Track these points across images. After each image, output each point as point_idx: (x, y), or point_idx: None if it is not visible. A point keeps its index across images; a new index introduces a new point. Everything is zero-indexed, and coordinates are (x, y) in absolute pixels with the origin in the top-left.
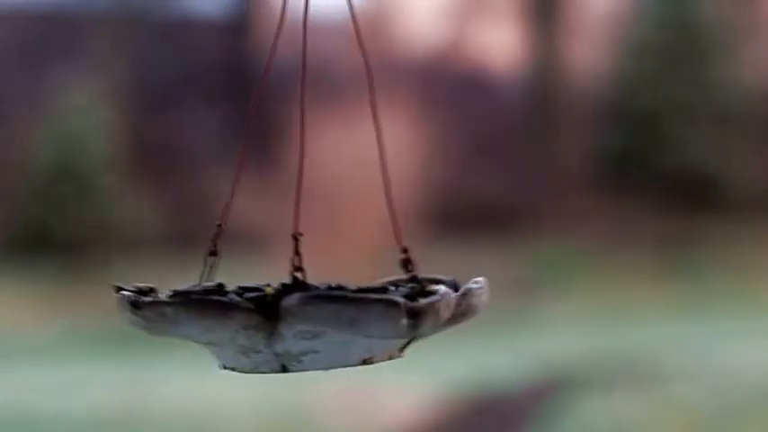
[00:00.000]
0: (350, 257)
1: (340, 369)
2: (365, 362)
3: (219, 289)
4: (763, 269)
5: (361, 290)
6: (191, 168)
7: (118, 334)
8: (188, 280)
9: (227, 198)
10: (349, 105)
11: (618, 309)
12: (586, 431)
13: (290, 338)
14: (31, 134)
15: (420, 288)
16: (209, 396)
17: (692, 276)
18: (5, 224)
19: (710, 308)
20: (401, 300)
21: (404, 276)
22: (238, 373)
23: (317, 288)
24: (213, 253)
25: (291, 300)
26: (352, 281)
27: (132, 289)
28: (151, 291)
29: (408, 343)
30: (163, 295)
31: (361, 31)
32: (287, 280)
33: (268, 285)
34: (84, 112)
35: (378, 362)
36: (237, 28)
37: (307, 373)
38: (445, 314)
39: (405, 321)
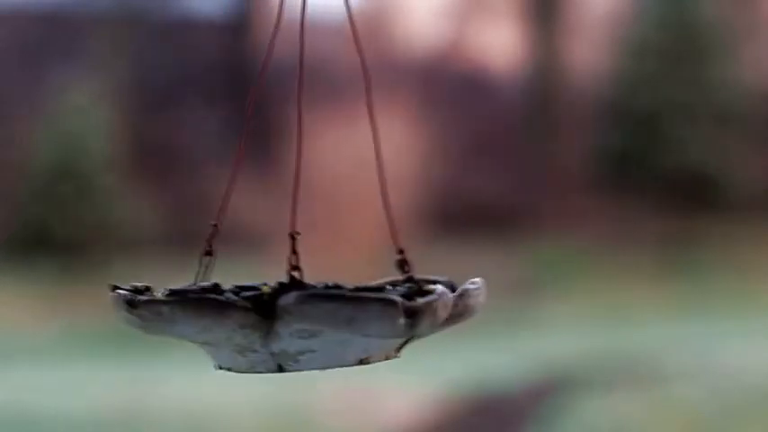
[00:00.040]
0: (350, 257)
1: (339, 369)
2: (362, 362)
3: (216, 288)
4: (763, 269)
5: (358, 289)
6: (191, 168)
7: (118, 334)
8: (188, 280)
9: (227, 199)
10: (349, 105)
11: (618, 309)
12: (586, 431)
13: (287, 337)
14: (31, 134)
15: (417, 288)
16: (209, 396)
17: (692, 276)
18: (5, 224)
19: (710, 308)
20: (399, 299)
21: (401, 277)
22: (236, 374)
23: (314, 287)
24: (209, 253)
25: (288, 298)
26: (352, 281)
27: (128, 288)
28: (147, 289)
29: (405, 343)
30: (159, 294)
31: (358, 32)
32: (285, 279)
33: (265, 284)
34: (84, 112)
35: (374, 362)
36: (237, 28)
37: (306, 373)
38: (443, 314)
39: (402, 320)
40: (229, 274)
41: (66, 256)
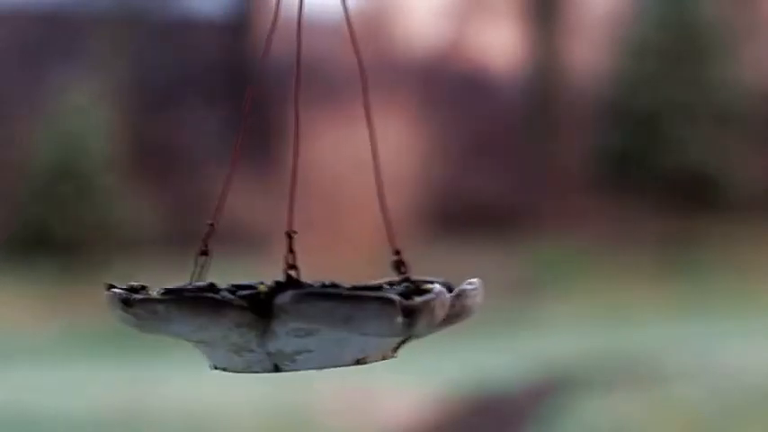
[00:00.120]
0: (349, 257)
1: (338, 370)
2: (359, 362)
3: (211, 288)
4: (763, 269)
5: (355, 288)
6: (191, 168)
7: (118, 334)
8: (186, 280)
9: (223, 198)
10: (348, 105)
11: (618, 309)
12: (586, 431)
13: (284, 336)
14: (31, 134)
15: (415, 287)
16: (209, 396)
17: (692, 276)
18: (5, 224)
19: (710, 308)
20: (396, 297)
21: (398, 278)
22: (235, 374)
23: (310, 286)
24: (204, 252)
25: (285, 297)
26: (351, 281)
27: (124, 287)
28: (143, 288)
29: (402, 343)
30: (154, 293)
31: (355, 32)
32: (282, 278)
33: (261, 283)
34: (84, 112)
35: (371, 362)
36: (237, 28)
37: (306, 373)
38: (440, 313)
39: (400, 319)
40: (228, 274)
41: (66, 256)
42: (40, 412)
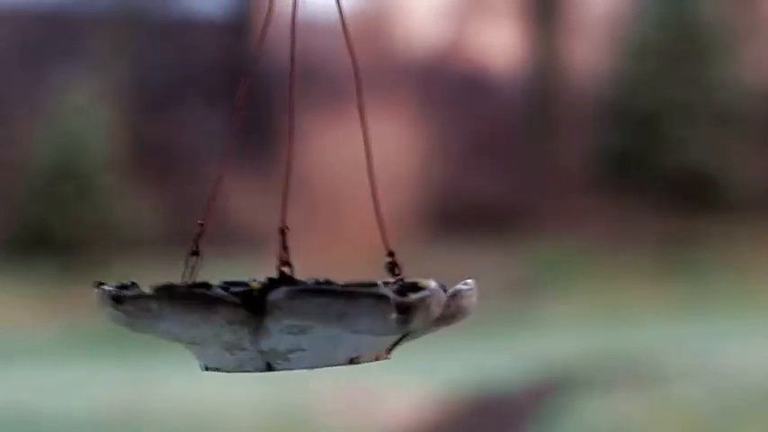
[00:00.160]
0: (349, 257)
1: (338, 370)
2: (352, 361)
3: (204, 286)
4: (763, 269)
5: (349, 285)
6: (191, 168)
7: (118, 334)
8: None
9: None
10: (349, 106)
11: (618, 309)
12: (586, 431)
13: (276, 334)
14: (31, 134)
15: (410, 285)
16: (209, 396)
17: (692, 276)
18: (5, 224)
19: (710, 308)
20: (391, 294)
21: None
22: (231, 374)
23: (304, 283)
24: (195, 253)
25: (278, 293)
26: (348, 279)
27: (114, 285)
28: (133, 285)
29: (396, 343)
30: (145, 290)
31: (350, 33)
32: (275, 275)
33: (254, 280)
34: (84, 112)
35: (365, 362)
36: (237, 28)
37: (306, 373)
38: (435, 311)
39: (394, 316)
40: (229, 274)
41: (66, 256)
42: (40, 412)
